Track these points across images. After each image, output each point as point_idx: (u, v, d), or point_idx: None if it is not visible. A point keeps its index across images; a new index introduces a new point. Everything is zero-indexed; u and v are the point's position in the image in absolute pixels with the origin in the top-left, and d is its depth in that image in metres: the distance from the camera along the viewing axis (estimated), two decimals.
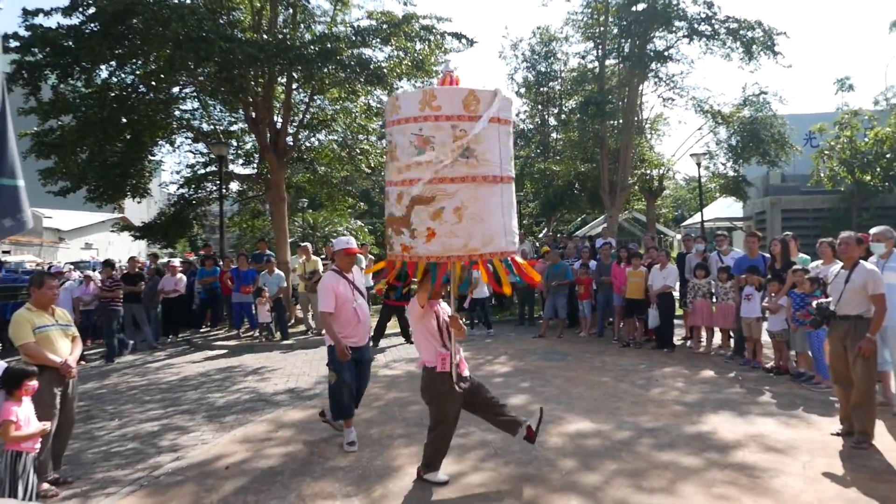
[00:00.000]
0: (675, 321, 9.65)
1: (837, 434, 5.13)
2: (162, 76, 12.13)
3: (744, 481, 4.23)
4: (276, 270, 11.27)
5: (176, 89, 14.11)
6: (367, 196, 33.16)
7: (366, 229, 24.63)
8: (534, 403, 6.38)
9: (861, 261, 5.12)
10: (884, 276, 5.18)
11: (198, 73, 12.60)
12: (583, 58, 20.05)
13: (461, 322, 4.33)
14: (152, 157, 15.84)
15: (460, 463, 4.70)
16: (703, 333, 9.26)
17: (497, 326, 12.48)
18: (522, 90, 24.45)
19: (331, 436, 5.45)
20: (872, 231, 5.98)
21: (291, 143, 14.74)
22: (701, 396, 6.51)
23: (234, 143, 16.96)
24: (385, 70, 12.57)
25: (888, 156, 18.88)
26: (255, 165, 16.92)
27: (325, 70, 11.89)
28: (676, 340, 9.57)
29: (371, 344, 10.14)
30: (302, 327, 11.89)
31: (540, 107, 25.13)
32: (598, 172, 19.15)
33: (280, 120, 14.37)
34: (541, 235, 23.87)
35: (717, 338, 9.32)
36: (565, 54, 22.37)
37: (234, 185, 18.00)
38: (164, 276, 12.02)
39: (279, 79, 13.80)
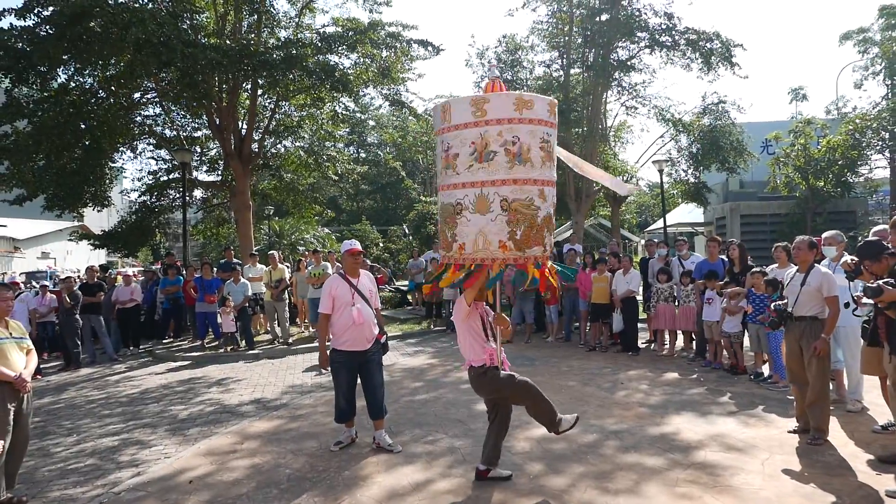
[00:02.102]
0: (640, 325, 9.83)
1: (794, 431, 5.30)
2: (122, 81, 11.87)
3: (705, 480, 4.33)
4: (241, 279, 11.10)
5: (137, 94, 13.83)
6: (335, 203, 33.00)
7: (333, 237, 24.45)
8: None
9: (816, 264, 5.32)
10: (836, 278, 5.38)
11: (160, 78, 12.37)
12: (548, 66, 20.31)
13: (505, 318, 4.38)
14: (113, 164, 15.46)
15: (428, 470, 4.70)
16: (667, 336, 9.46)
17: None
18: None
19: (299, 448, 5.38)
20: (824, 235, 6.20)
21: (257, 150, 14.58)
22: (664, 398, 6.64)
23: (198, 150, 16.68)
24: (351, 77, 12.55)
25: (840, 163, 19.58)
26: (219, 172, 16.65)
27: (291, 76, 11.83)
28: (641, 343, 9.74)
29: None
30: (268, 336, 11.71)
31: None
32: (563, 179, 19.39)
33: (245, 126, 14.21)
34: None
35: (680, 340, 9.53)
36: (531, 63, 22.61)
37: (198, 193, 17.70)
38: (118, 286, 11.74)
39: (244, 84, 13.65)
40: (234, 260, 12.65)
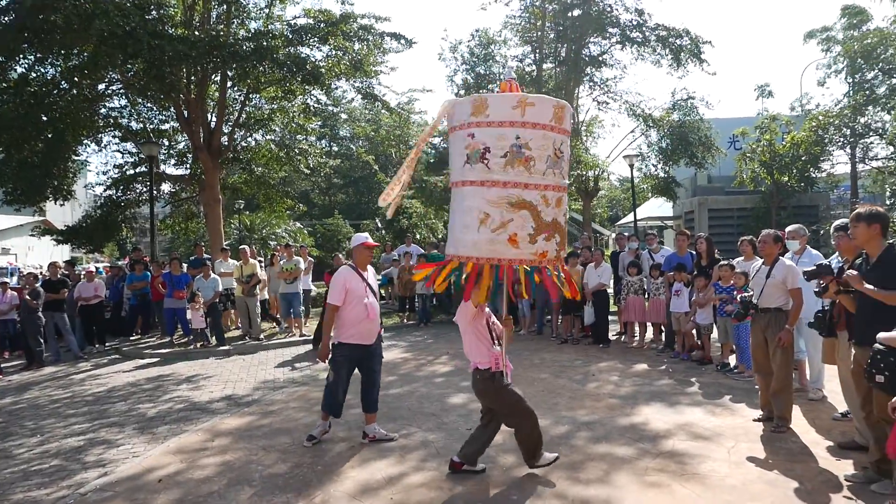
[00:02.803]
0: (610, 317, 9.97)
1: (759, 420, 5.45)
2: (86, 72, 11.54)
3: (673, 468, 4.42)
4: (212, 274, 10.93)
5: (102, 86, 13.46)
6: (307, 197, 32.65)
7: (305, 231, 24.21)
8: (475, 402, 6.44)
9: (780, 257, 5.46)
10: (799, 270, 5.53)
11: (125, 69, 12.06)
12: (521, 61, 20.38)
13: (510, 321, 4.42)
14: (76, 157, 15.03)
15: (402, 463, 4.71)
16: (636, 328, 9.61)
17: (438, 327, 12.56)
18: (462, 92, 24.61)
19: (270, 444, 5.34)
20: (787, 229, 6.37)
21: (226, 143, 14.33)
22: (634, 389, 6.76)
23: (166, 143, 16.31)
24: (323, 70, 12.41)
25: (803, 158, 20.07)
26: (188, 166, 16.33)
27: (261, 68, 11.64)
28: (611, 336, 9.89)
29: (313, 347, 10.05)
30: (239, 332, 11.57)
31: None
32: None
33: (214, 119, 13.95)
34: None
35: (650, 332, 9.69)
36: (504, 57, 22.68)
37: (166, 187, 17.30)
38: (80, 282, 11.46)
39: (213, 76, 13.39)
40: (205, 255, 12.44)
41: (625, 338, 9.86)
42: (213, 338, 10.78)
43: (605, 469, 4.46)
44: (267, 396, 7.17)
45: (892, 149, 22.59)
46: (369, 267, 5.41)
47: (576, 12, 18.02)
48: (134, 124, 15.37)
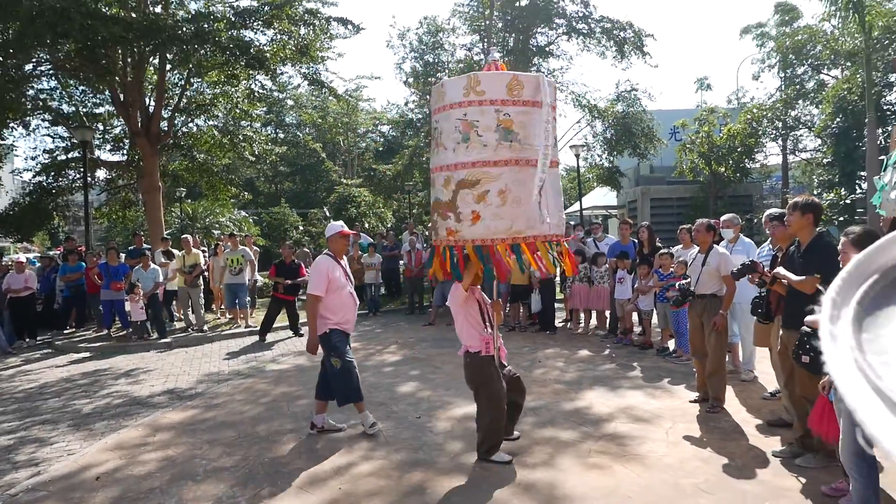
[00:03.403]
0: (557, 305, 10.19)
1: (695, 401, 5.70)
2: (11, 51, 10.87)
3: (615, 450, 4.58)
4: (152, 265, 10.55)
5: (29, 66, 12.72)
6: (252, 185, 31.88)
7: (251, 220, 23.64)
8: (424, 391, 6.52)
9: (715, 245, 5.71)
10: (732, 258, 5.79)
11: (55, 49, 11.43)
12: (469, 50, 20.41)
13: (500, 306, 4.40)
14: (2, 142, 14.20)
15: (350, 453, 4.70)
16: (581, 315, 9.86)
17: (388, 315, 12.56)
18: (410, 80, 24.49)
19: (215, 438, 5.23)
20: (722, 218, 6.65)
21: (166, 128, 13.83)
22: (579, 374, 6.95)
23: (101, 127, 15.59)
24: (267, 54, 12.11)
25: (739, 150, 20.94)
26: (125, 152, 15.68)
27: (202, 52, 11.26)
28: (557, 323, 10.10)
29: (259, 339, 9.88)
30: (181, 325, 11.23)
31: (428, 97, 25.31)
32: None
33: (153, 103, 13.41)
34: (430, 225, 24.16)
35: (595, 318, 9.96)
36: (452, 45, 22.65)
37: (101, 173, 16.57)
38: (9, 273, 10.88)
39: (151, 59, 12.86)
40: (145, 245, 11.99)
41: (570, 325, 10.10)
42: (154, 330, 10.44)
43: (550, 452, 4.58)
44: (211, 389, 7.01)
45: (819, 141, 23.81)
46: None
47: (523, 2, 18.16)
48: (65, 107, 14.64)
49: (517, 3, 18.17)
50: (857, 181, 20.49)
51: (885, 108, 19.76)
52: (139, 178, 14.06)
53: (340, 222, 5.52)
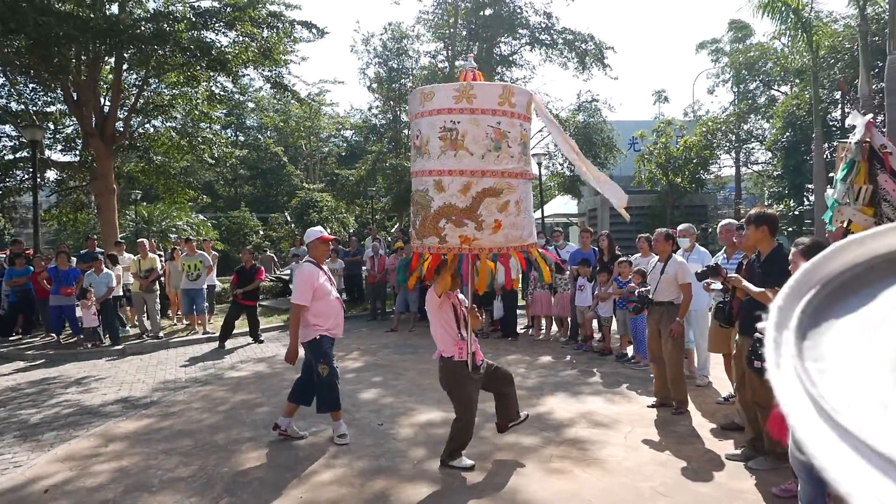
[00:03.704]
0: (518, 311, 10.28)
1: (653, 406, 5.83)
2: None
3: (575, 454, 4.65)
4: (105, 269, 10.21)
5: None
6: (211, 188, 31.23)
7: (209, 224, 23.16)
8: (386, 397, 6.49)
9: (673, 254, 5.87)
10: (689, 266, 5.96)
11: (4, 46, 11.01)
12: (433, 57, 20.53)
13: (476, 312, 4.45)
14: None
15: (312, 461, 4.65)
16: (543, 322, 9.97)
17: (350, 322, 12.41)
18: (374, 85, 24.45)
19: (171, 447, 5.09)
20: (679, 228, 6.85)
21: (122, 129, 13.44)
22: (540, 380, 7.03)
23: (52, 127, 15.06)
24: (229, 56, 11.92)
25: (695, 161, 21.61)
26: (77, 152, 15.16)
27: (161, 52, 11.00)
28: (519, 329, 10.20)
29: (218, 345, 9.67)
30: (136, 331, 10.90)
31: (392, 103, 25.30)
32: None
33: (108, 103, 13.03)
34: (392, 231, 24.10)
35: (556, 325, 10.09)
36: (416, 52, 22.72)
37: (52, 174, 15.98)
38: None
39: (106, 58, 12.49)
40: (98, 249, 11.60)
41: (532, 331, 10.21)
42: (107, 337, 10.10)
43: (512, 458, 4.62)
44: (167, 397, 6.82)
45: (770, 154, 24.73)
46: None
47: (487, 11, 18.38)
48: (14, 105, 14.08)
49: (481, 13, 18.38)
50: (804, 193, 21.35)
51: (830, 124, 20.66)
52: (92, 179, 13.60)
53: (319, 228, 5.44)
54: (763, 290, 4.09)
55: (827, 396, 0.44)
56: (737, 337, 4.64)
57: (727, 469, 4.33)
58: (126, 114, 13.62)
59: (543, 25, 18.28)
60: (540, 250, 4.62)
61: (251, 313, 10.12)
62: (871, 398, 0.43)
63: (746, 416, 4.50)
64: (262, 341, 10.13)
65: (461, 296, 4.62)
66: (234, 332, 10.09)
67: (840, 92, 18.41)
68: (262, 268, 10.20)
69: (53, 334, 10.46)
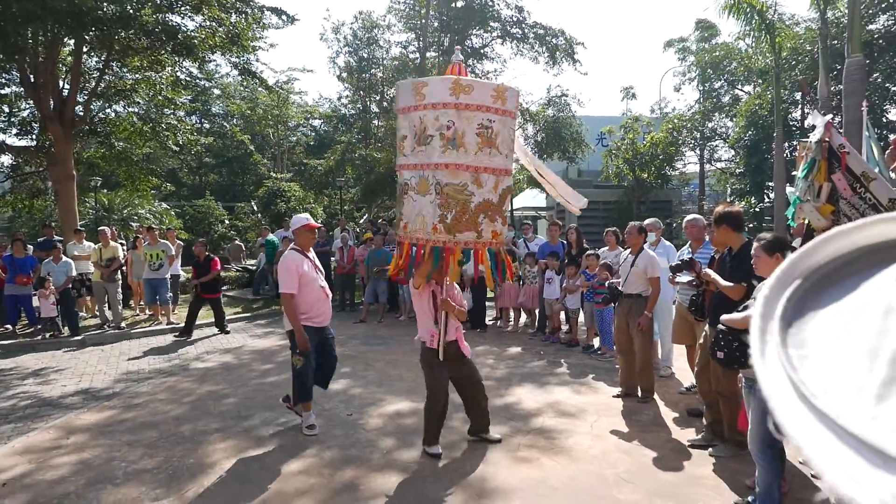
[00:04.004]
0: (487, 303, 10.36)
1: (618, 396, 5.96)
2: None
3: (543, 443, 4.73)
4: (63, 258, 9.91)
5: None
6: (175, 176, 30.48)
7: (172, 213, 22.63)
8: (355, 388, 6.48)
9: (644, 248, 5.99)
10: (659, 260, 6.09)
11: None
12: (404, 48, 20.43)
13: (453, 304, 4.53)
14: None
15: (281, 452, 4.62)
16: (511, 314, 10.07)
17: None
18: (344, 75, 24.20)
19: (136, 439, 5.00)
20: (645, 223, 6.95)
21: (81, 113, 13.02)
22: (508, 371, 7.11)
23: (6, 110, 14.50)
24: (195, 41, 11.64)
25: (661, 157, 22.02)
26: (34, 136, 14.63)
27: (125, 35, 10.67)
28: (488, 321, 10.27)
29: (183, 336, 9.51)
30: (96, 321, 10.62)
31: (362, 93, 25.10)
32: None
33: (67, 86, 12.60)
34: (361, 221, 23.96)
35: (524, 317, 10.20)
36: (387, 42, 22.56)
37: (6, 159, 15.42)
38: None
39: (66, 39, 12.07)
40: (56, 237, 11.25)
41: (500, 322, 10.30)
42: (66, 327, 9.82)
43: (481, 447, 4.67)
44: (130, 389, 6.68)
45: (732, 152, 25.34)
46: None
47: (459, 3, 18.35)
48: None
49: (453, 4, 18.35)
50: (765, 191, 21.96)
51: (791, 124, 21.27)
52: (50, 165, 13.15)
53: (306, 215, 5.35)
54: (731, 284, 4.21)
55: (807, 381, 0.47)
56: (706, 328, 4.77)
57: (689, 456, 4.47)
58: (86, 98, 13.19)
59: (515, 19, 18.36)
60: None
61: (215, 304, 9.96)
62: (848, 383, 0.46)
63: (706, 401, 4.66)
64: (228, 332, 9.99)
65: (457, 289, 4.78)
66: (200, 322, 9.93)
67: (801, 93, 18.96)
68: (217, 258, 10.02)
69: (9, 325, 10.12)
